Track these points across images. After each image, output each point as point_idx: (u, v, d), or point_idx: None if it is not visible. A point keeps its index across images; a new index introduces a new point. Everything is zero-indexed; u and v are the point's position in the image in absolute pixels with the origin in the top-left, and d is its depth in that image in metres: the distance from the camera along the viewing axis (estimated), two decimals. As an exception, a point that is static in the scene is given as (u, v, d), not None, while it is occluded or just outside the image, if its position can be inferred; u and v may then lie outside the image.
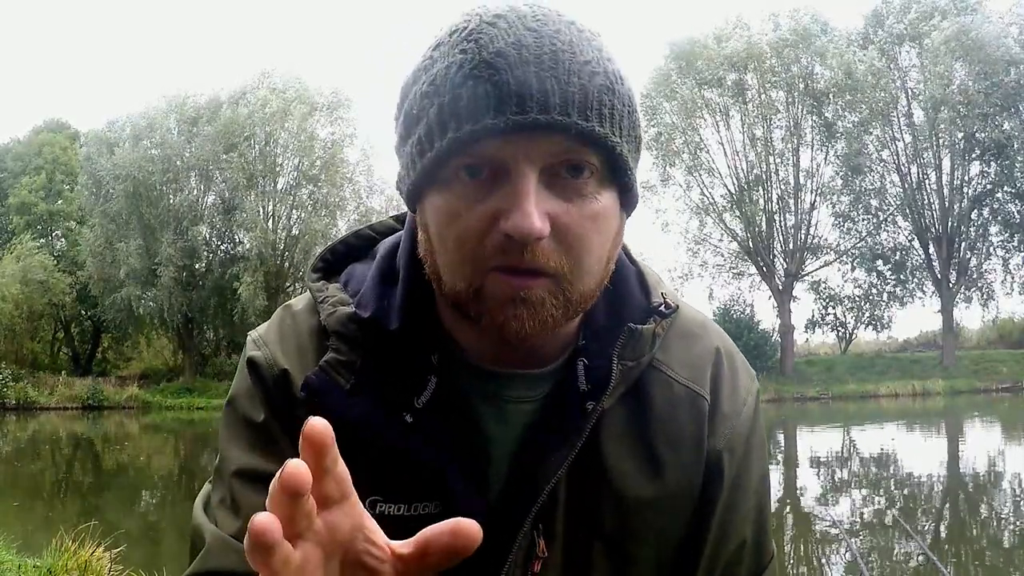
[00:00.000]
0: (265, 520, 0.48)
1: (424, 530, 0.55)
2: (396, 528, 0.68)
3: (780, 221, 31.69)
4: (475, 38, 0.71)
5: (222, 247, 33.38)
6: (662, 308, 0.86)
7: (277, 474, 0.49)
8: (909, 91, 30.45)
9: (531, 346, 0.79)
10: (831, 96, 29.93)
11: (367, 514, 0.57)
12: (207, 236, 32.95)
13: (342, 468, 0.53)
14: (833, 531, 8.21)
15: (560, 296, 0.73)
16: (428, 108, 0.72)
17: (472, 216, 0.71)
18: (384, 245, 0.91)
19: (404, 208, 0.86)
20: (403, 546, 0.56)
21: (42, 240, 36.04)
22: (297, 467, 0.48)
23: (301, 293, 0.94)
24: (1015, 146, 29.08)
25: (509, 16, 0.72)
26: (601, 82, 0.71)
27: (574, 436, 0.80)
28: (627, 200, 0.78)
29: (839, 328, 35.32)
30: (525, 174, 0.70)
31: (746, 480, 0.90)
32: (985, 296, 31.94)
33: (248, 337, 0.91)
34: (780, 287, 31.53)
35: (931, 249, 30.89)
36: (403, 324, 0.81)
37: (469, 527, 0.54)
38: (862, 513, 9.38)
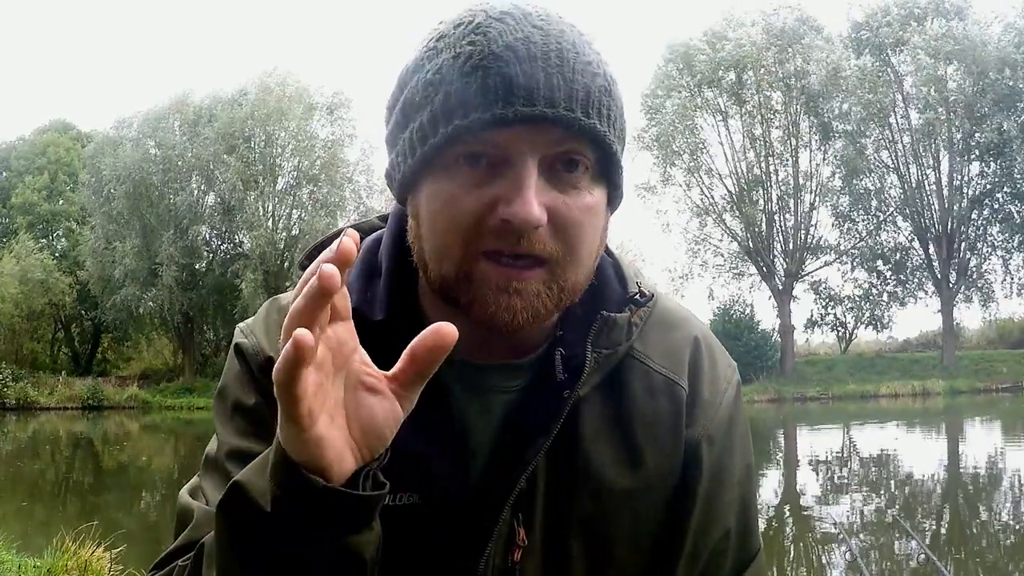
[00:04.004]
0: (303, 332, 0.57)
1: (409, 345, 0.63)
2: (379, 518, 0.77)
3: (780, 221, 31.71)
4: (483, 31, 0.73)
5: (223, 247, 33.40)
6: (638, 297, 0.87)
7: (312, 276, 0.58)
8: (905, 93, 30.48)
9: (516, 337, 0.82)
10: (825, 96, 29.90)
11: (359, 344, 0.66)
12: (207, 236, 32.98)
13: (346, 291, 0.63)
14: (833, 531, 8.21)
15: (554, 286, 0.75)
16: (433, 96, 0.73)
17: (470, 201, 0.73)
18: (366, 242, 0.92)
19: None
20: (393, 369, 0.65)
21: (43, 240, 36.07)
22: (332, 268, 0.58)
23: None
24: (1014, 146, 29.09)
25: (515, 13, 0.74)
26: (601, 83, 0.74)
27: (550, 424, 0.81)
28: (614, 198, 0.81)
29: (839, 328, 35.39)
30: (527, 164, 0.72)
31: (728, 469, 0.90)
32: (985, 296, 31.96)
33: (236, 328, 0.94)
34: (780, 287, 31.53)
35: (931, 249, 30.89)
36: (387, 315, 0.83)
37: (446, 326, 0.63)
38: (862, 513, 9.38)
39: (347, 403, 0.65)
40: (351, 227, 0.96)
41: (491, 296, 0.74)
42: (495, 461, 0.84)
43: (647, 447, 0.86)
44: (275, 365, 0.59)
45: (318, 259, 0.62)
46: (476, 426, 0.85)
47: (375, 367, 0.66)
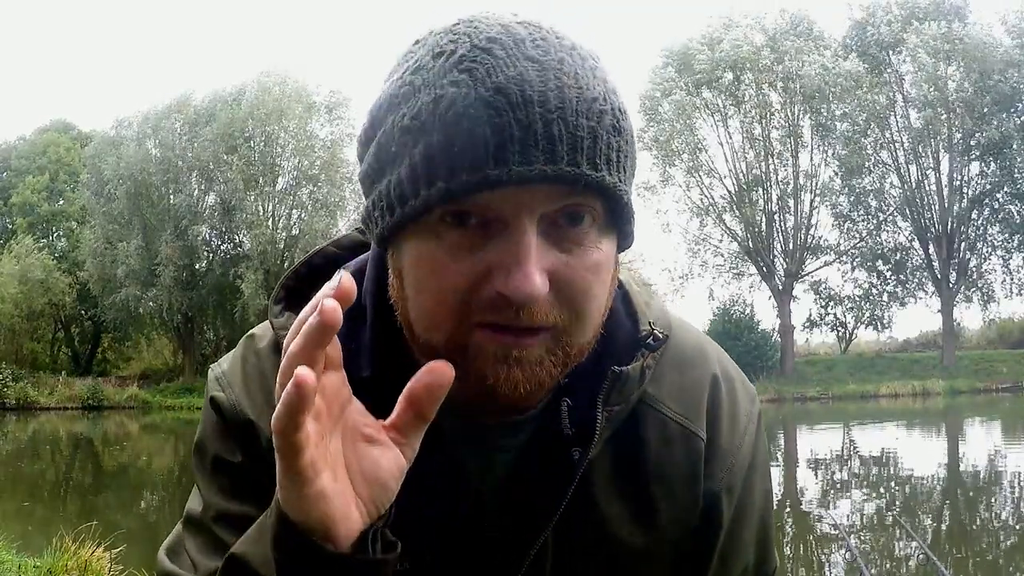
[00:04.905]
0: (306, 370, 0.54)
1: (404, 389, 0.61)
2: None
3: (780, 221, 31.73)
4: (468, 68, 0.61)
5: (222, 247, 33.43)
6: (651, 340, 0.78)
7: (312, 312, 0.56)
8: (905, 93, 30.51)
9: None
10: (821, 97, 29.91)
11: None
12: (207, 236, 33.01)
13: (336, 340, 0.59)
14: (833, 531, 8.21)
15: (559, 352, 0.67)
16: (411, 146, 0.63)
17: (460, 269, 0.64)
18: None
19: None
20: (391, 416, 0.62)
21: (43, 240, 36.09)
22: (333, 303, 0.55)
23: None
24: (1014, 146, 29.12)
25: (505, 41, 0.63)
26: (609, 122, 0.63)
27: (561, 490, 0.75)
28: (624, 243, 0.72)
29: (839, 328, 35.41)
30: (525, 229, 0.62)
31: (749, 509, 0.86)
32: (985, 296, 31.99)
33: (210, 373, 0.85)
34: (780, 287, 31.54)
35: (931, 249, 30.91)
36: (374, 373, 0.74)
37: (442, 364, 0.61)
38: (862, 513, 9.38)
39: (346, 456, 0.61)
40: (331, 245, 0.88)
41: (489, 368, 0.65)
42: (502, 526, 0.77)
43: (662, 502, 0.80)
44: (274, 413, 0.55)
45: (315, 298, 0.57)
46: (479, 486, 0.78)
47: (371, 416, 0.62)
